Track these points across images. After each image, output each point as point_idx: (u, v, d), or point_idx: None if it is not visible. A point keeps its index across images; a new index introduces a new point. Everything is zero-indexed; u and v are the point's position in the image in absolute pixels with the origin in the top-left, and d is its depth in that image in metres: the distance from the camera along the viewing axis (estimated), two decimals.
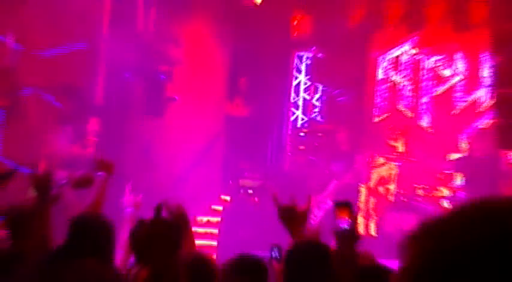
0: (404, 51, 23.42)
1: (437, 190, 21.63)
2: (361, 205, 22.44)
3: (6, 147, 18.35)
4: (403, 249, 2.08)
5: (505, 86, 13.75)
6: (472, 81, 22.34)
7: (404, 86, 23.37)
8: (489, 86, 19.91)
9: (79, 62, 20.09)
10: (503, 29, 13.66)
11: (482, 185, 19.92)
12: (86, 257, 6.45)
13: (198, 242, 8.16)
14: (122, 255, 8.31)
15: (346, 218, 8.53)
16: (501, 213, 1.95)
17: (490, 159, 20.05)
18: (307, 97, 25.20)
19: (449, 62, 22.91)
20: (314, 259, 7.27)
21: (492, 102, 17.48)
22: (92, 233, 7.75)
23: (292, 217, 8.33)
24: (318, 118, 25.06)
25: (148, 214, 8.28)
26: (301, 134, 24.69)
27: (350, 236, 8.36)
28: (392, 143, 22.59)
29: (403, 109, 23.26)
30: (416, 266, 2.01)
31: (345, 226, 7.93)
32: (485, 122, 21.45)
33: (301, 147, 24.47)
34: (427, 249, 2.00)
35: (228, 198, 21.71)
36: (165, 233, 7.65)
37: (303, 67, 25.16)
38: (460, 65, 22.68)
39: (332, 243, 8.50)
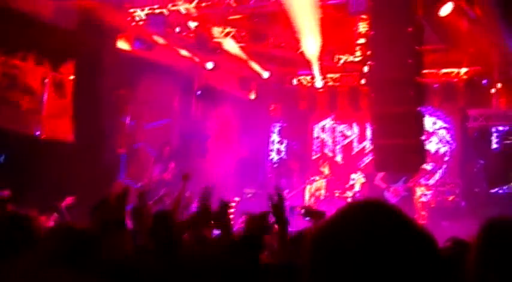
0: (327, 122, 24.46)
1: (345, 193, 22.51)
2: (306, 202, 23.52)
3: (127, 174, 19.49)
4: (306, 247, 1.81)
5: (379, 140, 14.78)
6: (361, 137, 23.67)
7: (327, 140, 24.49)
8: (370, 138, 19.71)
9: (164, 130, 21.17)
10: (376, 111, 14.61)
11: (370, 189, 20.94)
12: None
13: None
14: None
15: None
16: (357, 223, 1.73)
17: (371, 175, 20.59)
18: (278, 146, 25.82)
19: (350, 127, 24.03)
20: None
21: (371, 148, 17.83)
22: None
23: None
24: (284, 157, 25.65)
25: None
26: (275, 165, 25.62)
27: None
28: (322, 169, 23.68)
29: (327, 152, 24.46)
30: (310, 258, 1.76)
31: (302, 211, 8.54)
32: (368, 158, 22.21)
33: (275, 172, 25.51)
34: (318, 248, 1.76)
35: (238, 198, 21.75)
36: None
37: (276, 131, 25.76)
38: (355, 129, 23.87)
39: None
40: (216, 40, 19.41)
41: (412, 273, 1.67)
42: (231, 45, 19.85)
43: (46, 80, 16.68)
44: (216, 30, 19.35)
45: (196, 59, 20.57)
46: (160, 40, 18.56)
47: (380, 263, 1.66)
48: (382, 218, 1.77)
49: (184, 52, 19.93)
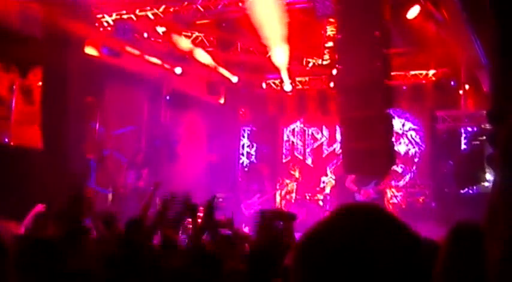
0: (297, 126, 24.59)
1: (316, 195, 22.94)
2: (277, 205, 23.63)
3: (97, 180, 19.46)
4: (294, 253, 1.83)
5: (348, 143, 14.69)
6: (331, 140, 23.82)
7: (297, 143, 24.54)
8: (340, 142, 19.72)
9: (133, 136, 21.11)
10: (345, 115, 14.56)
11: (341, 191, 20.83)
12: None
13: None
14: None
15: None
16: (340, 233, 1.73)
17: (342, 178, 19.97)
18: (248, 150, 25.77)
19: (319, 130, 24.15)
20: None
21: (341, 150, 17.69)
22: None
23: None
24: (254, 161, 25.85)
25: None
26: (246, 169, 25.76)
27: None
28: (292, 172, 23.89)
29: (297, 155, 24.51)
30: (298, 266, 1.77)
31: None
32: (339, 160, 21.88)
33: (246, 176, 25.54)
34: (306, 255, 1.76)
35: None
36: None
37: (245, 135, 25.50)
38: (325, 132, 23.97)
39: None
40: (184, 48, 19.35)
41: (403, 275, 1.70)
42: (199, 53, 19.84)
43: (14, 87, 16.64)
44: (184, 36, 19.32)
45: (166, 66, 20.58)
46: (128, 46, 18.52)
47: (372, 267, 1.67)
48: (373, 221, 1.80)
49: (152, 58, 19.90)
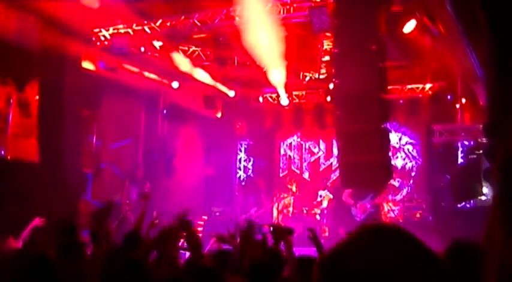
0: (294, 139, 24.62)
1: (313, 209, 22.82)
2: (275, 219, 23.68)
3: (93, 193, 19.40)
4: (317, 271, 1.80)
5: (345, 157, 14.64)
6: (328, 154, 23.86)
7: (294, 157, 24.55)
8: (336, 156, 19.73)
9: (130, 150, 21.17)
10: (342, 129, 14.54)
11: (338, 205, 20.84)
12: None
13: None
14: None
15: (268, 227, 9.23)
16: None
17: (339, 190, 20.19)
18: (245, 164, 25.81)
19: (316, 144, 24.15)
20: None
21: (338, 164, 17.64)
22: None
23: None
24: (251, 175, 25.94)
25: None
26: (243, 183, 25.68)
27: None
28: (289, 186, 23.96)
29: (294, 169, 24.55)
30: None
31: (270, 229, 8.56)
32: (336, 175, 22.42)
33: (242, 190, 25.50)
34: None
35: (206, 217, 22.10)
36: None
37: (242, 149, 25.42)
38: (322, 146, 24.00)
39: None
40: (181, 66, 19.35)
41: None
42: (197, 71, 19.87)
43: (11, 100, 16.62)
44: (181, 51, 19.32)
45: (165, 81, 20.63)
46: (125, 61, 18.53)
47: None
48: (393, 242, 1.84)
49: (149, 73, 19.94)
